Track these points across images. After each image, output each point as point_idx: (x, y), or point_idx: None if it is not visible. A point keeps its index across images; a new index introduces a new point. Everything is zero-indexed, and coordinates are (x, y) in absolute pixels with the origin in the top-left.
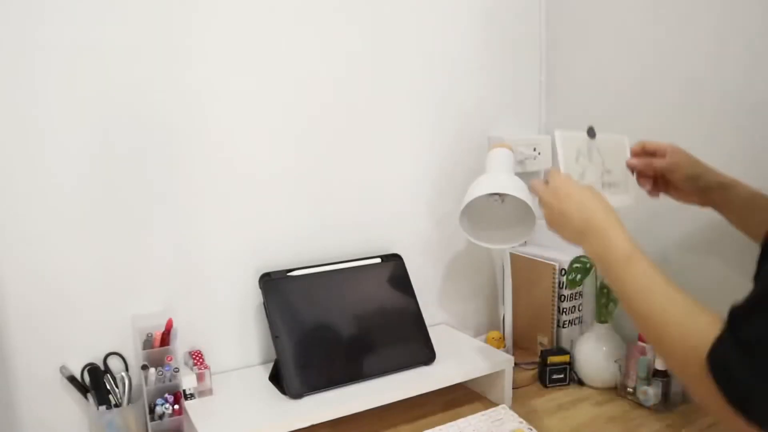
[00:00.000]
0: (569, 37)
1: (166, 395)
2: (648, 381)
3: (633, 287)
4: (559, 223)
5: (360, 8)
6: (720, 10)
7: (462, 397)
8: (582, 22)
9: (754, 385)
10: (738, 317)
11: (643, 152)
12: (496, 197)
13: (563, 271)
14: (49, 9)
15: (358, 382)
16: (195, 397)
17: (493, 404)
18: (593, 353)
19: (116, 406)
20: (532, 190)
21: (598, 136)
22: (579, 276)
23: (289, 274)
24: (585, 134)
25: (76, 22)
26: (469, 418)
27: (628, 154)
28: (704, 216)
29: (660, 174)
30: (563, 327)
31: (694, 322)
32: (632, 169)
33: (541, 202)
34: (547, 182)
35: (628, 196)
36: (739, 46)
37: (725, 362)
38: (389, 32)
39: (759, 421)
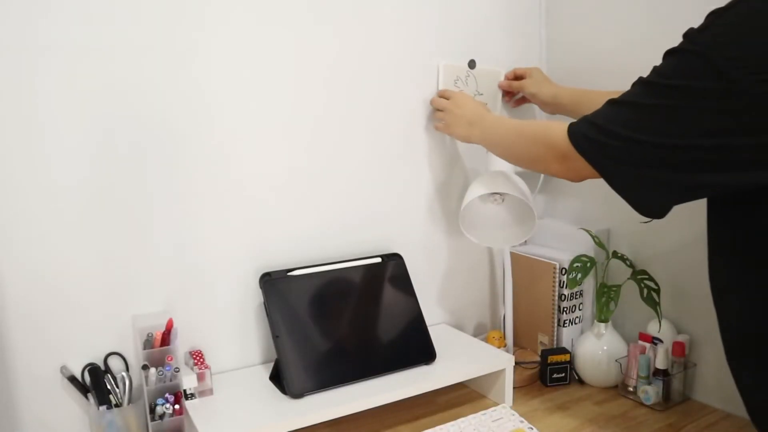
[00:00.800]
0: (569, 34)
1: (167, 395)
2: (648, 380)
3: (501, 130)
4: (455, 123)
5: (363, 9)
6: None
7: (462, 396)
8: (581, 16)
9: (600, 141)
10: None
11: (514, 76)
12: (496, 197)
13: (563, 271)
14: (52, 8)
15: (359, 381)
16: (195, 397)
17: (494, 404)
18: (593, 352)
19: (117, 406)
20: (432, 102)
21: (477, 66)
22: (579, 275)
23: (289, 273)
24: (466, 65)
25: (78, 21)
26: (470, 417)
27: (501, 80)
28: None
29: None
30: (563, 326)
31: (551, 124)
32: (501, 88)
33: (442, 110)
34: (447, 98)
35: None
36: None
37: (581, 127)
38: (390, 35)
39: (607, 174)
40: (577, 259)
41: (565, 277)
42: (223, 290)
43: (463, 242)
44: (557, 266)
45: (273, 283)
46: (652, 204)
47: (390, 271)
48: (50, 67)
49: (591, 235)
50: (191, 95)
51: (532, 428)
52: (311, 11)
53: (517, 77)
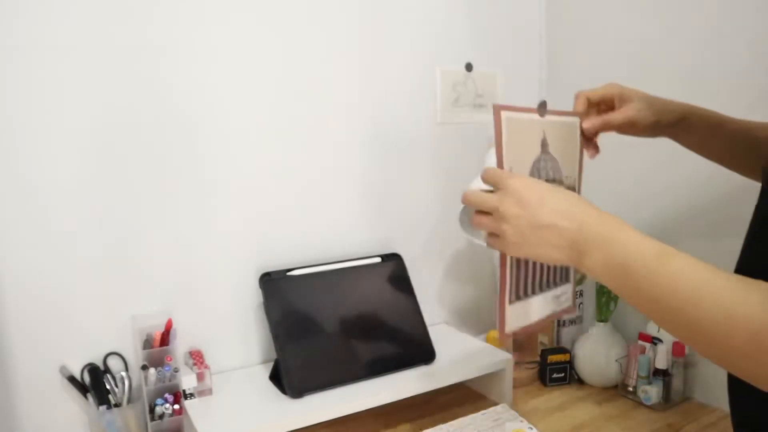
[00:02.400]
0: (568, 33)
1: (166, 395)
2: (648, 380)
3: (675, 288)
4: (534, 241)
5: (361, 8)
6: (720, 2)
7: (462, 396)
8: (581, 22)
9: None
10: None
11: (589, 105)
12: None
13: None
14: (53, 8)
15: (358, 381)
16: (195, 397)
17: (494, 403)
18: (593, 352)
19: (116, 406)
20: (469, 200)
21: (474, 69)
22: (579, 275)
23: (289, 273)
24: (463, 68)
25: (78, 21)
26: (470, 417)
27: (498, 81)
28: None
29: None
30: (563, 326)
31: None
32: (587, 134)
33: (500, 218)
34: (495, 189)
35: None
36: (739, 43)
37: None
38: (386, 34)
39: None
40: None
41: None
42: (223, 290)
43: (463, 242)
44: None
45: (273, 283)
46: None
47: (390, 271)
48: (51, 67)
49: None
50: (192, 95)
51: (531, 428)
52: (311, 13)
53: (594, 104)
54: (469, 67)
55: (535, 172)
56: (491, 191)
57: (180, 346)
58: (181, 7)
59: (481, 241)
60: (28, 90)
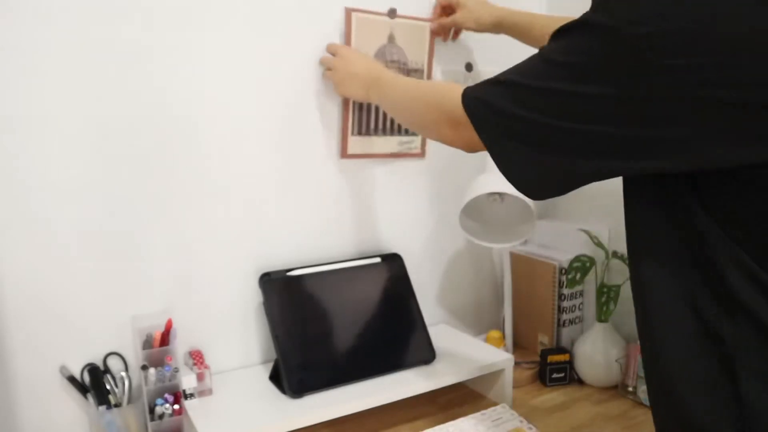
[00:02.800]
0: None
1: (166, 395)
2: None
3: (397, 92)
4: (349, 83)
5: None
6: None
7: (462, 396)
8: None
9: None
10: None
11: (441, 10)
12: (496, 196)
13: (563, 271)
14: (52, 8)
15: (358, 381)
16: (195, 397)
17: (494, 403)
18: (593, 352)
19: (116, 406)
20: (322, 62)
21: (475, 69)
22: (579, 275)
23: (288, 273)
24: (464, 68)
25: (77, 21)
26: (469, 417)
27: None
28: None
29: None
30: (563, 326)
31: (447, 87)
32: (434, 34)
33: (332, 69)
34: (334, 54)
35: None
36: None
37: (475, 93)
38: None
39: (484, 140)
40: (576, 259)
41: (565, 277)
42: (223, 290)
43: (463, 242)
44: (557, 266)
45: (272, 283)
46: (530, 181)
47: (389, 272)
48: (51, 67)
49: (590, 235)
50: (191, 96)
51: (531, 428)
52: (311, 12)
53: (446, 9)
54: (469, 67)
55: (380, 54)
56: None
57: (180, 346)
58: (181, 8)
59: (481, 241)
60: (26, 91)
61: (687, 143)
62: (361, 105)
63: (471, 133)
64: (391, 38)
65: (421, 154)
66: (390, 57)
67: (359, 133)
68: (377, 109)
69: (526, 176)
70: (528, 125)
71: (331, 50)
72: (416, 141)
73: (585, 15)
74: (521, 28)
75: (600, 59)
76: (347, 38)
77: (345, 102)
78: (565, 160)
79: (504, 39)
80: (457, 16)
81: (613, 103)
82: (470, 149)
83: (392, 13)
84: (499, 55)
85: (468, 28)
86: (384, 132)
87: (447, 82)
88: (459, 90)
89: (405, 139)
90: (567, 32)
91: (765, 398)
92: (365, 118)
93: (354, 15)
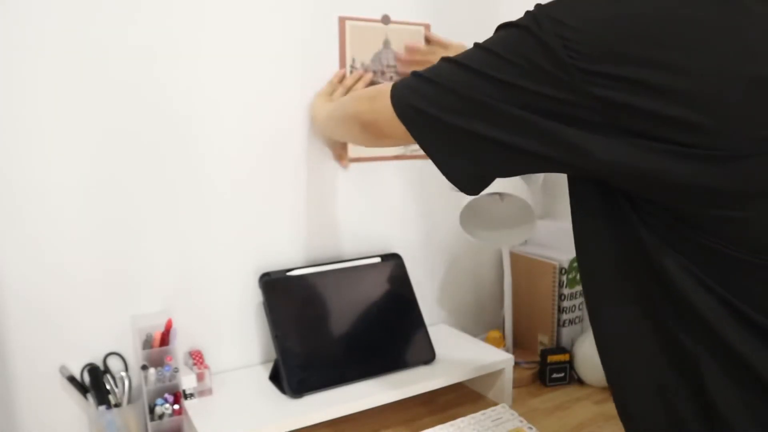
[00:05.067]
0: None
1: (166, 395)
2: None
3: (333, 107)
4: (314, 126)
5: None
6: None
7: (462, 396)
8: None
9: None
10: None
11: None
12: (496, 196)
13: (563, 271)
14: (52, 7)
15: (358, 381)
16: (195, 397)
17: (493, 403)
18: (593, 352)
19: (116, 406)
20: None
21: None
22: (579, 275)
23: (288, 273)
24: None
25: (78, 21)
26: (469, 417)
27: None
28: None
29: None
30: (563, 326)
31: (377, 89)
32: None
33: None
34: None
35: None
36: None
37: (400, 82)
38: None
39: (410, 131)
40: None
41: (565, 277)
42: (223, 290)
43: (463, 242)
44: (557, 266)
45: (272, 283)
46: (457, 171)
47: (389, 271)
48: (51, 66)
49: None
50: (189, 98)
51: (531, 428)
52: (304, 21)
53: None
54: None
55: (376, 60)
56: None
57: (180, 346)
58: (181, 10)
59: (481, 241)
60: (25, 93)
61: (585, 147)
62: None
63: (386, 103)
64: (386, 44)
65: (424, 155)
66: (386, 62)
67: None
68: None
69: (448, 155)
70: (454, 97)
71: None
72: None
73: (517, 20)
74: None
75: (522, 54)
76: (341, 46)
77: None
78: (479, 127)
79: None
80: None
81: (524, 92)
82: (383, 128)
83: (386, 20)
84: None
85: None
86: None
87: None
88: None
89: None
90: (503, 29)
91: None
92: None
93: (348, 23)
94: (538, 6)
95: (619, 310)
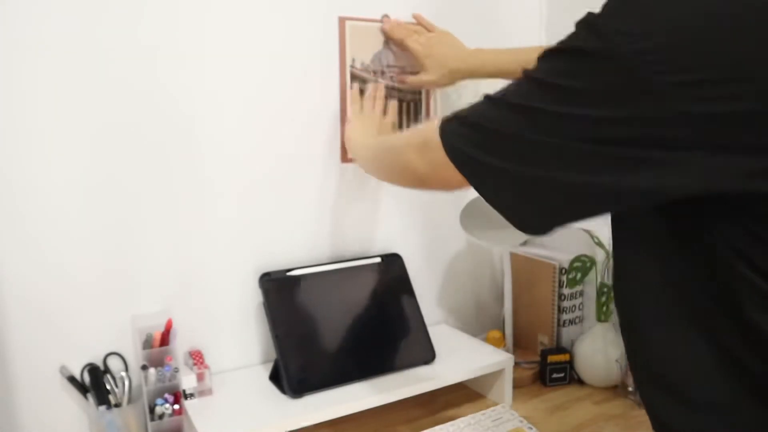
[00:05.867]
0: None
1: (166, 395)
2: None
3: (379, 145)
4: (349, 146)
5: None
6: None
7: (462, 396)
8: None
9: (457, 138)
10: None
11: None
12: None
13: (563, 271)
14: (52, 6)
15: (358, 381)
16: (195, 397)
17: (493, 403)
18: (593, 352)
19: (116, 406)
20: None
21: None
22: (579, 275)
23: (288, 273)
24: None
25: (78, 21)
26: (469, 417)
27: (498, 81)
28: None
29: None
30: (563, 326)
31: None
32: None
33: (346, 140)
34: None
35: None
36: None
37: (448, 127)
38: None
39: (466, 175)
40: (577, 259)
41: (565, 277)
42: (223, 290)
43: (463, 242)
44: (557, 266)
45: (272, 283)
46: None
47: (390, 272)
48: (51, 66)
49: (591, 235)
50: (190, 97)
51: (531, 428)
52: (303, 21)
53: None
54: None
55: (376, 60)
56: None
57: (180, 346)
58: (182, 10)
59: (481, 241)
60: (25, 93)
61: (687, 160)
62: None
63: (439, 155)
64: (386, 44)
65: None
66: (386, 62)
67: None
68: None
69: (518, 202)
70: (516, 143)
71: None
72: None
73: (573, 41)
74: (503, 66)
75: (594, 82)
76: (341, 46)
77: (342, 107)
78: (557, 174)
79: (502, 38)
80: (423, 78)
81: (606, 123)
82: (438, 180)
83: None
84: None
85: (438, 83)
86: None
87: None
88: (434, 124)
89: None
90: (557, 54)
91: None
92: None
93: (348, 23)
94: (593, 18)
95: (677, 335)
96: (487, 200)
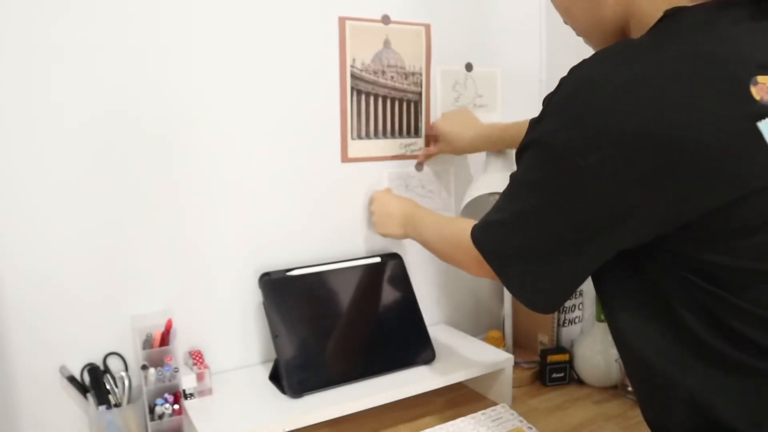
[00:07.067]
0: (569, 33)
1: (166, 395)
2: None
3: (427, 232)
4: (389, 225)
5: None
6: None
7: (462, 396)
8: None
9: (491, 241)
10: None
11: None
12: (496, 196)
13: None
14: (54, 9)
15: (358, 381)
16: (195, 397)
17: (493, 403)
18: (593, 352)
19: (116, 406)
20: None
21: (475, 69)
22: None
23: (288, 273)
24: (463, 68)
25: (76, 21)
26: (469, 417)
27: (498, 81)
28: None
29: None
30: (563, 326)
31: (460, 228)
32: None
33: (372, 213)
34: (372, 202)
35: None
36: None
37: (480, 231)
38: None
39: (498, 272)
40: None
41: None
42: (223, 290)
43: None
44: None
45: (272, 283)
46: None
47: (389, 271)
48: (50, 66)
49: None
50: (188, 94)
51: (531, 428)
52: (303, 21)
53: (430, 138)
54: (469, 67)
55: (377, 60)
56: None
57: (180, 346)
58: (182, 9)
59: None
60: (26, 91)
61: (633, 215)
62: (359, 110)
63: (472, 254)
64: (386, 43)
65: (423, 156)
66: (387, 62)
67: (359, 137)
68: (376, 113)
69: (537, 291)
70: (526, 243)
71: (370, 199)
72: (419, 143)
73: (528, 135)
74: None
75: (546, 171)
76: (341, 46)
77: (342, 107)
78: (563, 262)
79: (503, 38)
80: (441, 146)
81: (565, 206)
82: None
83: (386, 19)
84: (499, 55)
85: (456, 153)
86: (385, 135)
87: (459, 219)
88: (469, 231)
89: (407, 141)
90: (521, 152)
91: None
92: (364, 122)
93: (348, 23)
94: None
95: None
96: (512, 292)
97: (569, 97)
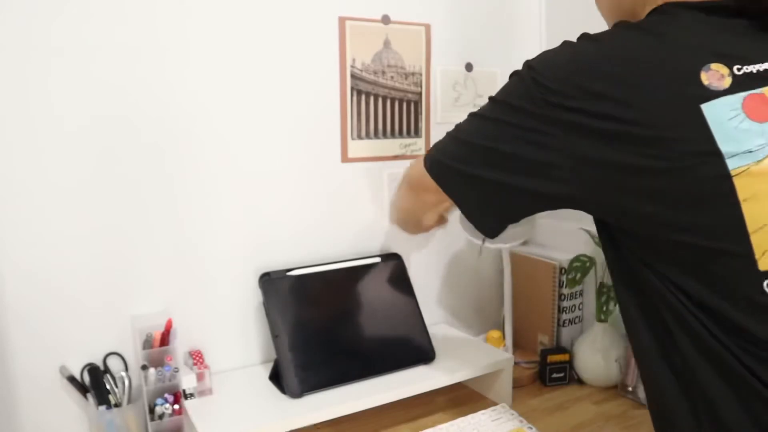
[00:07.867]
0: (569, 32)
1: (166, 395)
2: None
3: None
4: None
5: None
6: None
7: (462, 396)
8: (582, 21)
9: (438, 157)
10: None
11: None
12: None
13: (563, 271)
14: (56, 9)
15: (358, 381)
16: (195, 397)
17: (493, 403)
18: (593, 352)
19: (116, 406)
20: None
21: (475, 69)
22: (579, 275)
23: (288, 273)
24: (463, 68)
25: (78, 22)
26: (469, 417)
27: (498, 81)
28: None
29: None
30: (563, 326)
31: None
32: None
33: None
34: None
35: None
36: None
37: (433, 152)
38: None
39: (447, 192)
40: (576, 259)
41: (564, 277)
42: (223, 290)
43: (463, 242)
44: (557, 266)
45: (272, 283)
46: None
47: (389, 271)
48: (50, 66)
49: (591, 235)
50: (188, 95)
51: (531, 428)
52: (303, 21)
53: None
54: (469, 67)
55: (377, 60)
56: None
57: (180, 346)
58: (180, 9)
59: (480, 241)
60: (26, 91)
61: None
62: (359, 110)
63: (422, 177)
64: (386, 43)
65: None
66: (387, 62)
67: (359, 137)
68: (376, 113)
69: (479, 210)
70: (470, 152)
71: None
72: (419, 143)
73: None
74: None
75: (512, 96)
76: (341, 46)
77: (342, 107)
78: (503, 179)
79: (503, 39)
80: None
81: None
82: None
83: (386, 19)
84: (499, 55)
85: None
86: (385, 135)
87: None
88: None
89: (407, 141)
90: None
91: None
92: (364, 122)
93: (348, 23)
94: (526, 60)
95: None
96: (453, 201)
97: (556, 53)
